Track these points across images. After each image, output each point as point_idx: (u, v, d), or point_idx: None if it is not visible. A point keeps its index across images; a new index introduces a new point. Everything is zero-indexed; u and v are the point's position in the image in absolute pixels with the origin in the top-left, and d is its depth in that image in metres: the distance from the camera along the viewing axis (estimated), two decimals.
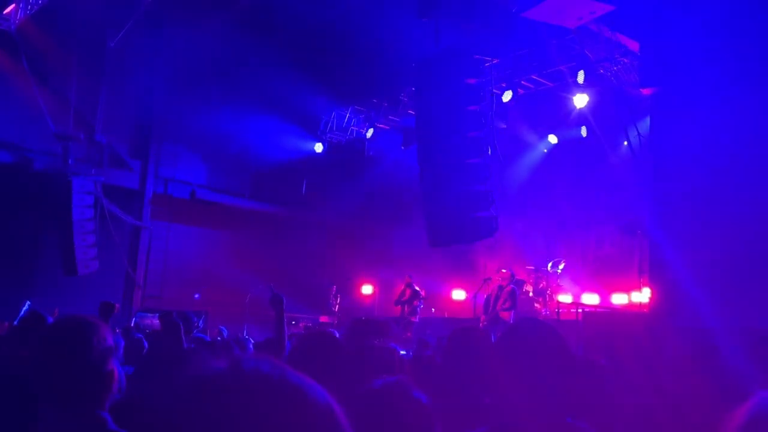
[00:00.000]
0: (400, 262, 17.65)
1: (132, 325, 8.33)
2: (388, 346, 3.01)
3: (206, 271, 15.79)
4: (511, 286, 12.39)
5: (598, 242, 15.56)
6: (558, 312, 11.71)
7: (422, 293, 14.24)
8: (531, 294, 14.06)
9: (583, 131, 14.72)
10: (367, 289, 18.65)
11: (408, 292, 14.12)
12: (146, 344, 5.85)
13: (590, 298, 14.16)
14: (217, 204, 17.43)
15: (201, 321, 11.63)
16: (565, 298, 14.11)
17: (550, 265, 14.59)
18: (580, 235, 15.98)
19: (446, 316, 16.19)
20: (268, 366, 0.74)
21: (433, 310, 16.64)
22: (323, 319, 15.77)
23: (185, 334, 4.05)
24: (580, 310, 11.22)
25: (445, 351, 3.07)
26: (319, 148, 18.13)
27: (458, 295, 16.94)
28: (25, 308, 8.58)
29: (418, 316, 13.98)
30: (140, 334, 6.48)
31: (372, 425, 1.77)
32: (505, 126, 14.54)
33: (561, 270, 14.67)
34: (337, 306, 16.64)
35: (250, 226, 17.46)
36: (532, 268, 14.77)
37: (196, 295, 15.32)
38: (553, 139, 15.51)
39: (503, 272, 12.48)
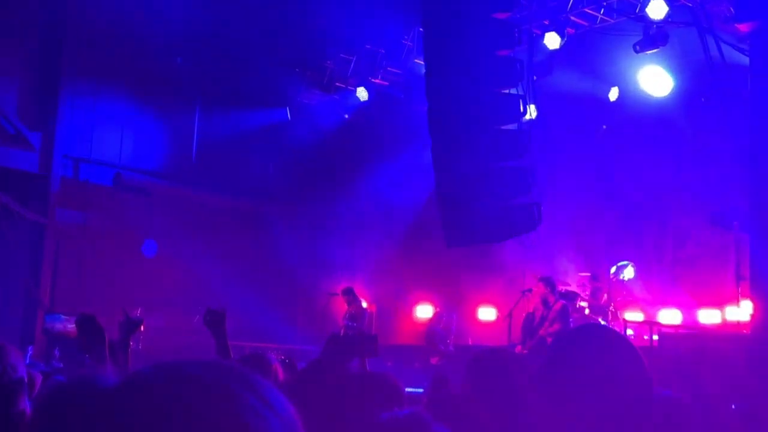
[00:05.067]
0: (403, 269, 17.66)
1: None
2: (388, 377, 3.03)
3: (139, 284, 15.78)
4: (561, 301, 12.41)
5: (679, 239, 15.53)
6: (625, 334, 11.74)
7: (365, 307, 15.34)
8: (587, 311, 14.07)
9: (652, 82, 14.66)
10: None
11: (351, 308, 14.76)
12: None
13: (669, 316, 14.19)
14: (151, 192, 17.41)
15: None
16: (634, 315, 14.09)
17: (613, 270, 14.58)
18: (653, 229, 15.95)
19: (470, 343, 16.20)
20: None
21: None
22: (434, 360, 14.72)
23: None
24: (655, 336, 11.22)
25: (466, 384, 3.09)
26: (288, 115, 18.22)
27: (486, 314, 16.91)
28: None
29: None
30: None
31: None
32: (548, 78, 14.51)
33: (629, 278, 14.67)
34: (450, 340, 15.60)
35: (197, 221, 17.43)
36: (589, 275, 14.76)
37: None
38: (614, 95, 15.48)
39: (542, 282, 12.51)
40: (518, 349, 12.19)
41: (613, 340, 2.18)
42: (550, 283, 12.69)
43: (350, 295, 14.88)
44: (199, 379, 0.96)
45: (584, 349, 2.11)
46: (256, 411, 0.95)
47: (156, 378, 0.95)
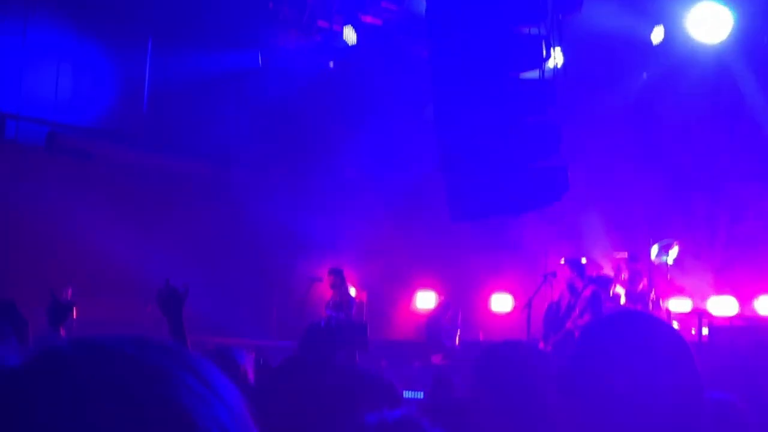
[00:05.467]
0: (400, 248, 17.69)
1: None
2: (382, 378, 3.02)
3: (74, 265, 15.79)
4: (592, 287, 12.44)
5: (736, 211, 15.56)
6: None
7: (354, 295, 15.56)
8: (623, 300, 14.14)
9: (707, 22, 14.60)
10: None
11: (336, 294, 14.94)
12: None
13: (722, 305, 14.39)
14: (93, 154, 17.38)
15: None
16: (680, 304, 14.16)
17: (654, 250, 14.62)
18: (704, 199, 15.97)
19: (481, 338, 16.26)
20: None
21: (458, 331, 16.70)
22: (436, 360, 15.42)
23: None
24: (705, 328, 11.23)
25: (474, 384, 3.07)
26: (259, 62, 18.18)
27: (500, 303, 16.98)
28: None
29: None
30: None
31: None
32: (577, 15, 14.44)
33: (674, 259, 14.71)
34: (457, 335, 16.28)
35: (148, 188, 17.43)
36: (625, 255, 14.80)
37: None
38: (658, 35, 15.43)
39: (568, 264, 12.55)
40: (540, 344, 12.22)
41: (656, 330, 2.15)
42: (578, 265, 12.72)
43: (337, 277, 14.87)
44: (126, 355, 0.94)
45: (620, 341, 2.07)
46: (197, 394, 0.93)
47: (72, 354, 0.93)
